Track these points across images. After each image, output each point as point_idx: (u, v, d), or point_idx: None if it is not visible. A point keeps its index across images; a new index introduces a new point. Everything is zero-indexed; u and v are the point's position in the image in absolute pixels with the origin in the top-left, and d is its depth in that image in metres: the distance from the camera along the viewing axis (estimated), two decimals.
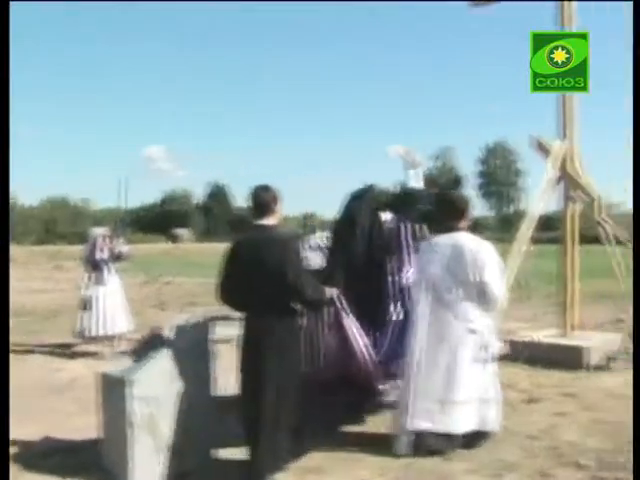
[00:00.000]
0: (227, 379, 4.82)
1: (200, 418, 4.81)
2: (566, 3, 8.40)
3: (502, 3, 9.28)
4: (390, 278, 5.80)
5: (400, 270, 5.80)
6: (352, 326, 5.41)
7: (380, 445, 5.20)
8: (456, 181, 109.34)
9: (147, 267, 25.59)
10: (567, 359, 7.94)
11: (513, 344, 8.33)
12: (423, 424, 5.07)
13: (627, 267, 10.09)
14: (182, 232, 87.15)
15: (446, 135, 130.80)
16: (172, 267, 27.34)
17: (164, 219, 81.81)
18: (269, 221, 4.80)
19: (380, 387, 5.68)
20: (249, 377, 4.70)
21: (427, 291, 5.19)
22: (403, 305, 5.69)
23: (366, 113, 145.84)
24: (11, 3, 4.79)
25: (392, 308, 5.73)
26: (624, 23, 6.57)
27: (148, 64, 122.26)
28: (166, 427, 4.72)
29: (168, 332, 5.07)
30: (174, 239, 73.20)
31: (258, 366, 4.61)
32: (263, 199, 4.81)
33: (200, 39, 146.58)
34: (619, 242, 9.12)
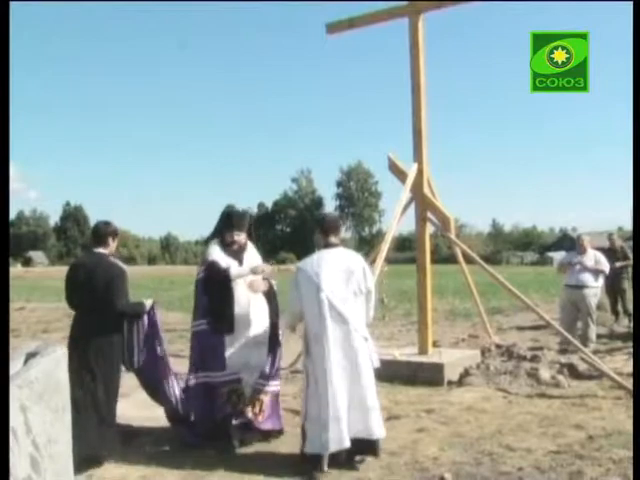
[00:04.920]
0: None
1: (57, 450, 4.58)
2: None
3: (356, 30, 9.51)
4: None
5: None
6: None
7: None
8: (318, 203, 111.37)
9: None
10: (426, 376, 8.12)
11: None
12: (354, 432, 5.12)
13: (476, 285, 10.58)
14: (36, 255, 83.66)
15: (304, 157, 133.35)
16: (24, 292, 26.17)
17: (15, 242, 78.25)
18: (103, 250, 5.81)
19: None
20: (78, 378, 5.31)
21: (328, 305, 5.20)
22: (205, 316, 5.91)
23: (223, 137, 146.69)
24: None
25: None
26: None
27: None
28: (19, 462, 4.46)
29: (19, 361, 4.81)
30: (27, 262, 70.20)
31: (83, 367, 5.42)
32: (102, 231, 5.85)
33: (61, 58, 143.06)
34: (470, 261, 9.51)
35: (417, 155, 8.91)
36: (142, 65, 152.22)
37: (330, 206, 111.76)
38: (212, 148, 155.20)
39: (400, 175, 9.02)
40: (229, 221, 6.01)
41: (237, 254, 5.99)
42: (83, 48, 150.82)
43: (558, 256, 43.76)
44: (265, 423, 5.91)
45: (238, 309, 5.82)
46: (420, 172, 8.86)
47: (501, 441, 5.76)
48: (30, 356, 4.72)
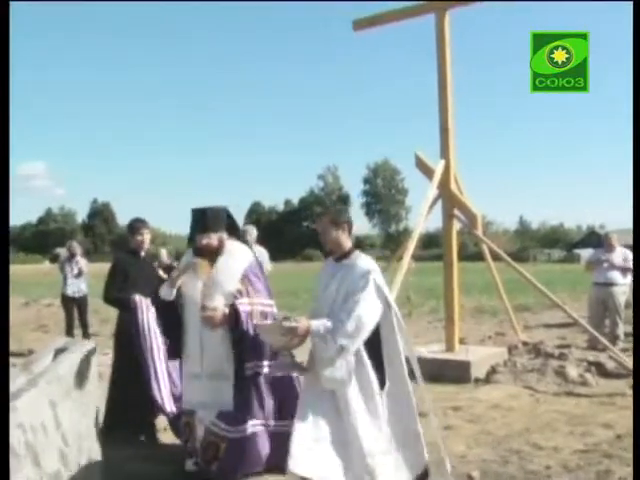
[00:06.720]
0: None
1: (86, 445, 4.63)
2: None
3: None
4: None
5: None
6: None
7: None
8: (345, 199, 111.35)
9: (26, 288, 24.57)
10: (453, 373, 8.12)
11: None
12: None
13: (503, 282, 10.52)
14: (63, 252, 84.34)
15: (331, 154, 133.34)
16: (53, 288, 26.38)
17: (43, 239, 79.00)
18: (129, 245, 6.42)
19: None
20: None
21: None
22: None
23: (250, 134, 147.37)
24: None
25: None
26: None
27: (31, 81, 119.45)
28: (49, 456, 4.51)
29: (48, 357, 4.84)
30: (55, 259, 70.73)
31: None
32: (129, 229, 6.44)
33: (83, 54, 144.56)
34: (497, 258, 9.46)
35: (444, 152, 8.88)
36: (170, 60, 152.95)
37: (357, 203, 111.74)
38: (240, 145, 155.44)
39: (427, 172, 8.99)
40: (193, 223, 5.08)
41: (209, 259, 5.01)
42: (104, 45, 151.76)
43: (585, 253, 43.37)
44: (219, 473, 4.80)
45: (187, 334, 5.06)
46: (447, 169, 8.83)
47: (528, 439, 5.73)
48: (59, 352, 4.76)
